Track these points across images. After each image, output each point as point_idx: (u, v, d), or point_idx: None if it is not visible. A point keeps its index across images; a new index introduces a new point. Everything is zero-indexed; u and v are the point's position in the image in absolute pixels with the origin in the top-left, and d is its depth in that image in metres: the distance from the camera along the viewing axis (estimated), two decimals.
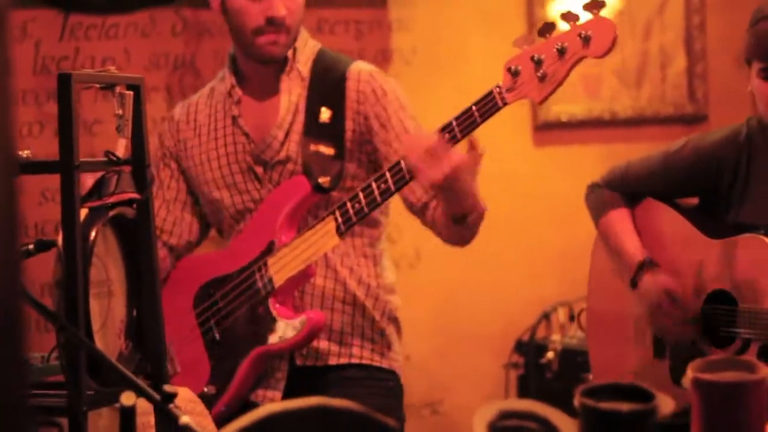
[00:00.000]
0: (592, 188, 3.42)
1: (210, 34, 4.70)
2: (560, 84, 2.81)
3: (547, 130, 5.38)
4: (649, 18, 5.56)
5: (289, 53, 3.23)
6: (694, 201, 3.32)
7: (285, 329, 3.07)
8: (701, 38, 5.59)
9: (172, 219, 3.37)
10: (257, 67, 3.27)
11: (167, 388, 1.84)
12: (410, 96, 3.36)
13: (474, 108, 2.86)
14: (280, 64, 3.24)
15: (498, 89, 2.84)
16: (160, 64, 4.69)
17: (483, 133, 2.93)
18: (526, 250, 5.41)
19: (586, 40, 2.75)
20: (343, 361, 3.25)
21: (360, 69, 3.26)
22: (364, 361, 3.27)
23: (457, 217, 3.02)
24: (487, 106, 2.85)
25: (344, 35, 4.93)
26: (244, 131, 3.27)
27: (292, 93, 3.23)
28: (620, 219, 3.32)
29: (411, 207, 3.23)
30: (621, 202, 3.34)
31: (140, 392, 1.97)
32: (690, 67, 5.60)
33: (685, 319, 3.13)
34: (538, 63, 2.80)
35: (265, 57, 3.22)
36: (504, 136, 4.95)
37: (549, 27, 2.80)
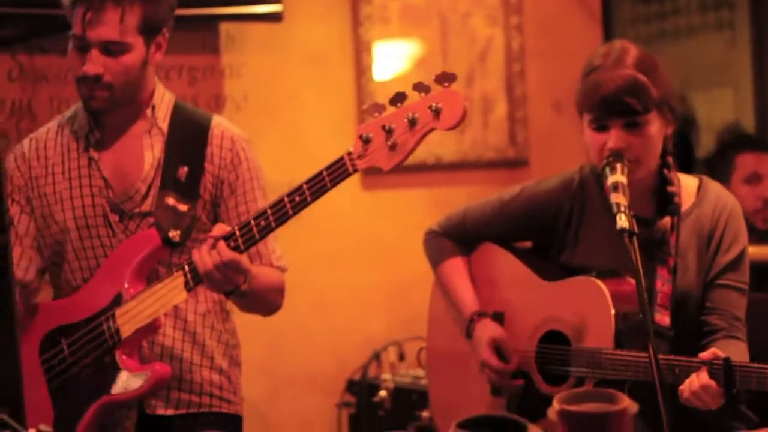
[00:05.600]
0: (431, 235, 3.49)
1: (46, 79, 4.68)
2: (410, 153, 2.85)
3: (374, 174, 5.44)
4: (472, 65, 5.75)
5: (148, 111, 3.23)
6: (528, 244, 3.42)
7: (130, 381, 3.07)
8: (521, 85, 5.80)
9: (19, 253, 3.27)
10: (117, 115, 3.22)
11: (42, 427, 1.87)
12: None
13: (325, 173, 2.89)
14: (139, 118, 3.24)
15: (349, 155, 2.87)
16: None
17: None
18: (355, 290, 5.51)
19: (436, 113, 2.79)
20: (193, 410, 3.27)
21: (223, 131, 3.28)
22: (213, 409, 3.30)
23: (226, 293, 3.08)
24: (338, 171, 2.88)
25: (178, 81, 4.96)
26: (102, 175, 3.23)
27: (154, 149, 3.23)
28: (456, 268, 3.41)
29: None
30: (457, 251, 3.43)
31: None
32: (511, 112, 5.80)
33: (511, 374, 3.24)
34: (389, 132, 2.83)
35: (86, 107, 3.22)
36: None
37: (400, 97, 2.83)
